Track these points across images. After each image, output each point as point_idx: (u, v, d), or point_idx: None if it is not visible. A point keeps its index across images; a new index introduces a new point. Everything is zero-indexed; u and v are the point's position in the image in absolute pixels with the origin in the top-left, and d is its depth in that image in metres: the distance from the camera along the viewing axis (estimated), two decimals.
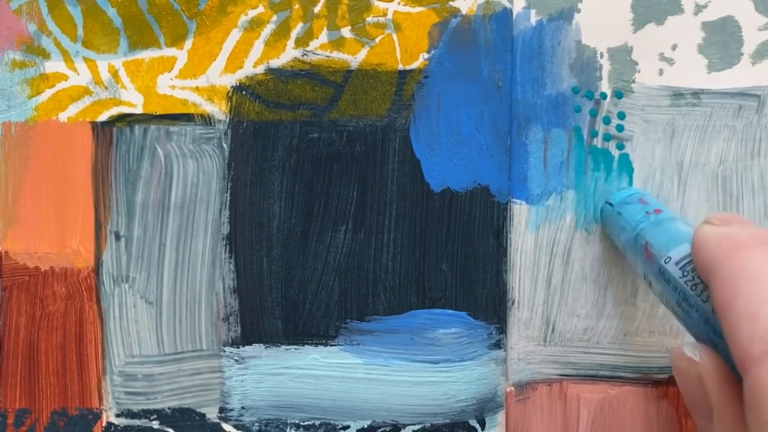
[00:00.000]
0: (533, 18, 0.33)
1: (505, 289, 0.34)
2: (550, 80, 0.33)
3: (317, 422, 0.34)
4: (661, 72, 0.33)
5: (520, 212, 0.34)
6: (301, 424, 0.34)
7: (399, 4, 0.33)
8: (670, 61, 0.33)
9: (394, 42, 0.33)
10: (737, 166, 0.33)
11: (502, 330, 0.34)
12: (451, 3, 0.33)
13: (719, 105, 0.33)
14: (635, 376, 0.34)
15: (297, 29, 0.33)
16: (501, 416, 0.34)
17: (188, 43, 0.33)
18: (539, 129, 0.33)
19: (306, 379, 0.34)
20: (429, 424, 0.34)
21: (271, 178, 0.33)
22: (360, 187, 0.33)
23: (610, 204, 0.32)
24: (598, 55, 0.33)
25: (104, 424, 0.34)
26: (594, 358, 0.34)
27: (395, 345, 0.34)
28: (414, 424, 0.34)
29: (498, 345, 0.34)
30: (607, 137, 0.33)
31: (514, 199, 0.34)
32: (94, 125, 0.33)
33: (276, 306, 0.34)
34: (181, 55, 0.33)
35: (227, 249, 0.34)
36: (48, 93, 0.33)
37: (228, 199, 0.34)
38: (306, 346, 0.34)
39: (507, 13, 0.33)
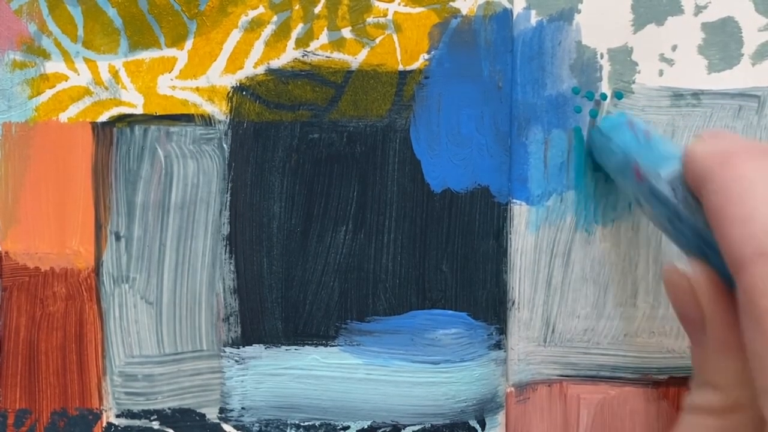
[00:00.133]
0: (533, 18, 0.33)
1: (505, 290, 0.34)
2: (550, 81, 0.33)
3: (317, 423, 0.34)
4: (661, 73, 0.33)
5: (521, 213, 0.34)
6: (301, 424, 0.34)
7: (399, 4, 0.33)
8: (670, 62, 0.33)
9: (394, 42, 0.33)
10: None
11: (502, 330, 0.34)
12: (451, 3, 0.33)
13: (719, 106, 0.33)
14: (635, 376, 0.34)
15: (297, 30, 0.33)
16: (501, 417, 0.34)
17: (188, 44, 0.33)
18: (539, 130, 0.33)
19: (306, 379, 0.34)
20: (429, 425, 0.34)
21: (271, 179, 0.33)
22: (360, 188, 0.33)
23: (599, 130, 0.32)
24: (599, 56, 0.33)
25: (104, 424, 0.34)
26: (594, 359, 0.34)
27: (395, 345, 0.34)
28: (414, 425, 0.34)
29: (498, 345, 0.34)
30: None
31: (514, 200, 0.34)
32: (95, 126, 0.33)
33: (276, 306, 0.34)
34: (181, 55, 0.33)
35: (227, 249, 0.34)
36: (48, 93, 0.33)
37: (228, 199, 0.34)
38: (306, 347, 0.34)
39: (507, 13, 0.33)
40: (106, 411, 0.34)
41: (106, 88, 0.33)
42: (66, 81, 0.33)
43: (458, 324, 0.34)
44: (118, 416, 0.34)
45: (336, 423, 0.34)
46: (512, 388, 0.34)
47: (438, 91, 0.33)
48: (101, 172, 0.34)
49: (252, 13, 0.33)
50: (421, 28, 0.33)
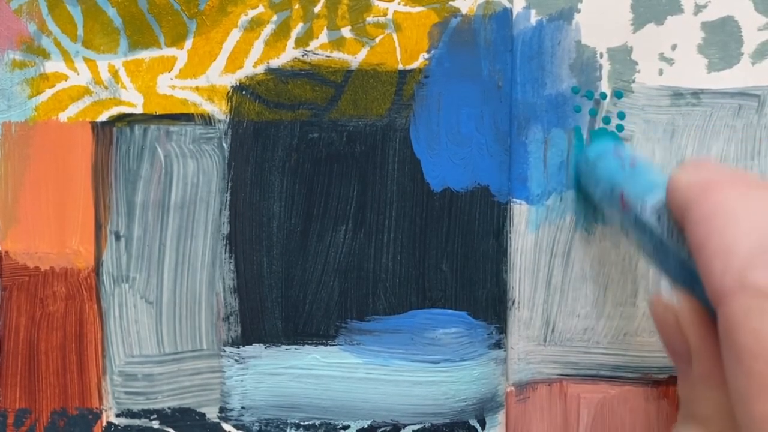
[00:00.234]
0: (533, 18, 0.33)
1: (505, 289, 0.34)
2: (549, 80, 0.33)
3: (317, 422, 0.34)
4: (660, 72, 0.33)
5: (520, 212, 0.34)
6: (301, 424, 0.34)
7: (399, 4, 0.33)
8: (669, 61, 0.33)
9: (394, 42, 0.33)
10: (737, 166, 0.33)
11: (502, 330, 0.34)
12: (451, 3, 0.33)
13: (719, 105, 0.33)
14: (635, 376, 0.34)
15: (297, 29, 0.33)
16: (501, 416, 0.34)
17: (188, 43, 0.33)
18: (539, 129, 0.33)
19: (306, 379, 0.34)
20: (429, 424, 0.34)
21: (271, 178, 0.33)
22: (360, 187, 0.33)
23: (586, 159, 0.32)
24: (598, 55, 0.33)
25: (104, 424, 0.34)
26: (594, 358, 0.34)
27: (395, 345, 0.34)
28: (414, 424, 0.34)
29: (498, 345, 0.34)
30: None
31: (514, 199, 0.34)
32: (94, 125, 0.33)
33: (276, 306, 0.34)
34: (181, 55, 0.33)
35: (227, 249, 0.34)
36: (48, 93, 0.33)
37: (228, 198, 0.34)
38: (306, 346, 0.34)
39: (507, 13, 0.33)
40: (106, 410, 0.34)
41: (106, 88, 0.33)
42: (66, 81, 0.33)
43: (458, 323, 0.34)
44: (118, 416, 0.34)
45: (336, 422, 0.34)
46: (512, 388, 0.34)
47: (438, 91, 0.33)
48: (101, 171, 0.34)
49: (252, 13, 0.33)
50: (421, 27, 0.33)
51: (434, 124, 0.33)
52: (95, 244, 0.34)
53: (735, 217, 0.21)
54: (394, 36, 0.33)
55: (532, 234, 0.34)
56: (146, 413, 0.34)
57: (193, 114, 0.33)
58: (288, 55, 0.33)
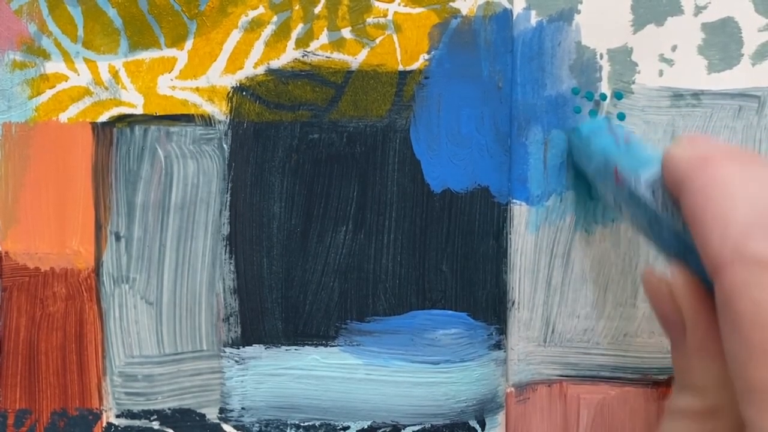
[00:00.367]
0: (533, 19, 0.33)
1: (505, 290, 0.34)
2: (550, 81, 0.33)
3: (317, 423, 0.34)
4: (661, 73, 0.33)
5: (520, 213, 0.34)
6: (301, 424, 0.34)
7: (399, 5, 0.33)
8: (670, 62, 0.33)
9: (394, 43, 0.33)
10: None
11: (502, 331, 0.34)
12: (451, 4, 0.33)
13: (719, 106, 0.33)
14: (635, 376, 0.34)
15: (297, 30, 0.33)
16: (501, 417, 0.34)
17: (188, 44, 0.33)
18: (539, 130, 0.33)
19: (306, 379, 0.34)
20: (429, 425, 0.34)
21: (271, 179, 0.33)
22: (360, 188, 0.33)
23: (579, 133, 0.32)
24: (598, 56, 0.33)
25: (104, 424, 0.34)
26: (594, 359, 0.34)
27: (395, 346, 0.34)
28: (414, 425, 0.34)
29: (498, 346, 0.34)
30: None
31: (514, 200, 0.34)
32: (95, 126, 0.34)
33: (276, 307, 0.34)
34: (181, 55, 0.33)
35: (227, 249, 0.34)
36: (48, 93, 0.33)
37: (228, 199, 0.34)
38: (306, 347, 0.34)
39: (507, 13, 0.33)
40: (106, 411, 0.34)
41: (106, 89, 0.33)
42: (66, 81, 0.33)
43: (458, 324, 0.34)
44: (118, 416, 0.34)
45: (336, 423, 0.34)
46: (512, 388, 0.34)
47: (438, 92, 0.33)
48: (101, 172, 0.34)
49: (252, 14, 0.33)
50: (421, 28, 0.33)
51: (434, 125, 0.33)
52: (95, 245, 0.34)
53: (732, 189, 0.21)
54: (395, 37, 0.33)
55: (532, 235, 0.34)
56: (146, 414, 0.34)
57: (193, 115, 0.33)
58: (288, 55, 0.33)
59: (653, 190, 0.25)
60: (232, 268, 0.34)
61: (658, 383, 0.34)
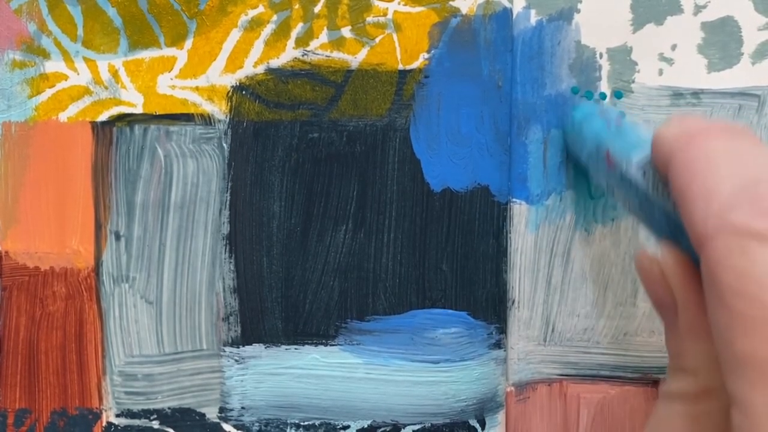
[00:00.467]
0: (533, 18, 0.33)
1: (505, 289, 0.34)
2: (549, 80, 0.33)
3: (317, 422, 0.34)
4: (660, 72, 0.33)
5: (520, 212, 0.34)
6: (301, 424, 0.34)
7: (399, 3, 0.33)
8: (669, 61, 0.33)
9: (394, 42, 0.33)
10: None
11: (502, 330, 0.34)
12: (451, 3, 0.33)
13: (719, 105, 0.33)
14: (635, 376, 0.34)
15: (297, 29, 0.33)
16: (501, 416, 0.34)
17: (188, 43, 0.33)
18: (539, 129, 0.33)
19: (306, 379, 0.34)
20: (429, 424, 0.34)
21: (271, 178, 0.33)
22: (360, 187, 0.33)
23: (572, 120, 0.32)
24: (598, 56, 0.33)
25: (104, 424, 0.34)
26: (594, 358, 0.34)
27: (395, 345, 0.34)
28: (414, 424, 0.34)
29: (498, 345, 0.34)
30: None
31: (514, 199, 0.34)
32: (94, 125, 0.33)
33: (276, 306, 0.34)
34: (181, 54, 0.33)
35: (227, 249, 0.34)
36: (48, 93, 0.33)
37: (228, 198, 0.34)
38: (306, 346, 0.34)
39: (507, 13, 0.33)
40: (106, 410, 0.34)
41: (106, 88, 0.33)
42: (66, 80, 0.33)
43: (458, 323, 0.34)
44: (118, 416, 0.34)
45: (336, 422, 0.34)
46: (512, 388, 0.34)
47: (438, 91, 0.33)
48: (101, 171, 0.34)
49: (252, 13, 0.33)
50: (421, 27, 0.33)
51: (434, 124, 0.33)
52: (95, 244, 0.34)
53: (716, 162, 0.21)
54: (394, 36, 0.33)
55: (532, 234, 0.34)
56: (146, 413, 0.34)
57: (193, 114, 0.33)
58: (288, 55, 0.33)
59: (644, 171, 0.25)
60: (232, 268, 0.34)
61: (658, 382, 0.34)
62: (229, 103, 0.33)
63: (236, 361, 0.34)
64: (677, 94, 0.33)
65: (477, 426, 0.34)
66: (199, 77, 0.33)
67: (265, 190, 0.33)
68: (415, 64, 0.33)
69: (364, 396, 0.34)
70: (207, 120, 0.33)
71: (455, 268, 0.34)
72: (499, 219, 0.33)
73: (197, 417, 0.34)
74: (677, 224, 0.23)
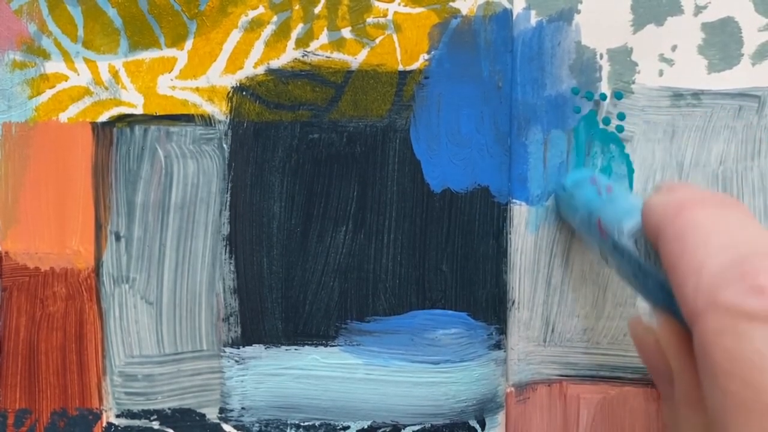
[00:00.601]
0: (533, 19, 0.33)
1: (505, 290, 0.34)
2: (549, 81, 0.33)
3: (317, 423, 0.34)
4: (661, 73, 0.33)
5: (520, 213, 0.34)
6: (301, 424, 0.34)
7: (399, 4, 0.33)
8: (669, 62, 0.33)
9: (394, 43, 0.33)
10: (737, 166, 0.33)
11: (502, 330, 0.34)
12: (451, 4, 0.33)
13: (719, 106, 0.33)
14: (635, 376, 0.34)
15: (297, 30, 0.33)
16: (501, 417, 0.34)
17: (188, 44, 0.33)
18: (539, 130, 0.33)
19: (306, 379, 0.34)
20: (429, 425, 0.34)
21: (271, 179, 0.33)
22: (360, 188, 0.33)
23: (563, 188, 0.32)
24: (598, 56, 0.33)
25: (104, 424, 0.34)
26: (594, 359, 0.34)
27: (395, 345, 0.34)
28: (414, 425, 0.34)
29: (498, 345, 0.34)
30: None
31: (514, 200, 0.34)
32: (95, 126, 0.34)
33: (276, 306, 0.34)
34: (181, 55, 0.33)
35: (227, 249, 0.34)
36: (48, 93, 0.33)
37: (228, 199, 0.34)
38: (306, 347, 0.34)
39: (507, 13, 0.33)
40: (106, 411, 0.34)
41: (106, 88, 0.33)
42: (66, 81, 0.33)
43: (458, 324, 0.34)
44: (118, 416, 0.34)
45: (336, 423, 0.34)
46: (512, 388, 0.34)
47: (438, 92, 0.33)
48: (101, 172, 0.34)
49: (252, 14, 0.33)
50: (421, 28, 0.33)
51: (434, 124, 0.33)
52: (95, 245, 0.34)
53: (706, 236, 0.21)
54: (395, 37, 0.33)
55: (532, 234, 0.34)
56: (146, 414, 0.34)
57: (193, 115, 0.33)
58: (288, 55, 0.33)
59: (636, 239, 0.25)
60: (232, 268, 0.34)
61: None
62: (230, 104, 0.33)
63: (236, 361, 0.34)
64: (677, 95, 0.33)
65: (477, 427, 0.34)
66: (199, 78, 0.33)
67: (266, 191, 0.34)
68: (415, 65, 0.33)
69: (364, 396, 0.34)
70: (207, 121, 0.33)
71: (455, 269, 0.34)
72: (499, 220, 0.33)
73: (197, 417, 0.34)
74: (671, 294, 0.23)
